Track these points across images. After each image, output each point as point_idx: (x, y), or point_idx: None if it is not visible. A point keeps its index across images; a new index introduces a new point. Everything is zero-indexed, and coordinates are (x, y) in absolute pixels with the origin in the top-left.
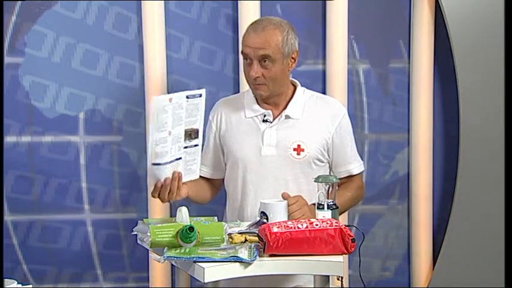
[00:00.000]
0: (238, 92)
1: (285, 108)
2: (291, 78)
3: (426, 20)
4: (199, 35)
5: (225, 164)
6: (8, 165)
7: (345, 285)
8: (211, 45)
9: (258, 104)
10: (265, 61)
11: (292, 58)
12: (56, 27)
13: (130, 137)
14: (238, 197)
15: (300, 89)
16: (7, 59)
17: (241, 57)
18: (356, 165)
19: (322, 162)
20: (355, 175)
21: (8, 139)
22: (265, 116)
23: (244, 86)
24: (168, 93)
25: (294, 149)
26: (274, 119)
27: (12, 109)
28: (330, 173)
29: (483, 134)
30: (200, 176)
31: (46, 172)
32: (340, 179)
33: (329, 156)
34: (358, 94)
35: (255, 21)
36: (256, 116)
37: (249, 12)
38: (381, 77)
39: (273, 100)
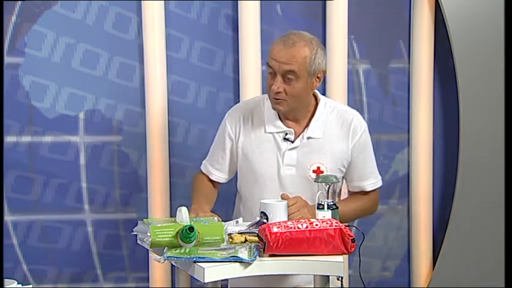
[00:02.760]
0: (238, 92)
1: (307, 125)
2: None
3: (426, 20)
4: (199, 35)
5: (236, 168)
6: (8, 165)
7: (345, 285)
8: (211, 45)
9: (280, 118)
10: (289, 77)
11: (318, 77)
12: (56, 27)
13: (130, 137)
14: (255, 211)
15: (321, 104)
16: (7, 59)
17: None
18: (370, 182)
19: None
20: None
21: (8, 139)
22: (286, 134)
23: (244, 86)
24: (168, 93)
25: (314, 171)
26: (295, 138)
27: (12, 109)
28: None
29: (483, 134)
30: (209, 180)
31: (46, 172)
32: (353, 192)
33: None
34: (358, 94)
35: (287, 34)
36: (277, 133)
37: (249, 12)
38: (381, 77)
39: (293, 115)
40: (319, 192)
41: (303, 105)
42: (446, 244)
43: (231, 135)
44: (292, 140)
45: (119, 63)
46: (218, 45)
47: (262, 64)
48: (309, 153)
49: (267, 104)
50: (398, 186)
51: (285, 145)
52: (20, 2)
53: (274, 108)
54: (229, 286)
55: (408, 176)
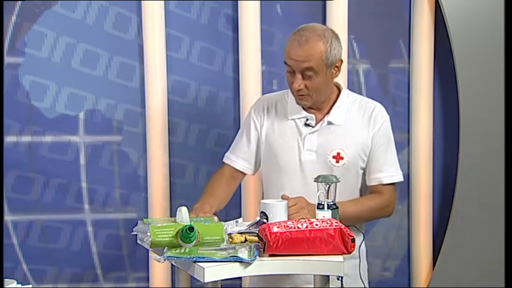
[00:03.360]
0: (238, 92)
1: (328, 112)
2: (335, 81)
3: (426, 20)
4: (199, 35)
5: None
6: (8, 165)
7: (345, 285)
8: (211, 45)
9: (303, 107)
10: (308, 73)
11: (336, 67)
12: (56, 27)
13: (130, 137)
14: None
15: (344, 93)
16: (7, 59)
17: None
18: (387, 174)
19: (363, 169)
20: (385, 185)
21: (8, 139)
22: (307, 119)
23: (244, 86)
24: (168, 93)
25: (334, 157)
26: (316, 124)
27: (12, 109)
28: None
29: (483, 133)
30: (231, 173)
31: (46, 172)
32: (371, 186)
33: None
34: (358, 94)
35: (299, 30)
36: (298, 119)
37: (249, 12)
38: (380, 77)
39: (317, 106)
40: (319, 192)
41: (325, 96)
42: (446, 244)
43: (256, 124)
44: (313, 125)
45: (119, 63)
46: (218, 45)
47: (262, 64)
48: (329, 139)
49: (291, 96)
50: (398, 186)
51: (305, 130)
52: (20, 2)
53: (299, 104)
54: (243, 285)
55: (408, 176)
